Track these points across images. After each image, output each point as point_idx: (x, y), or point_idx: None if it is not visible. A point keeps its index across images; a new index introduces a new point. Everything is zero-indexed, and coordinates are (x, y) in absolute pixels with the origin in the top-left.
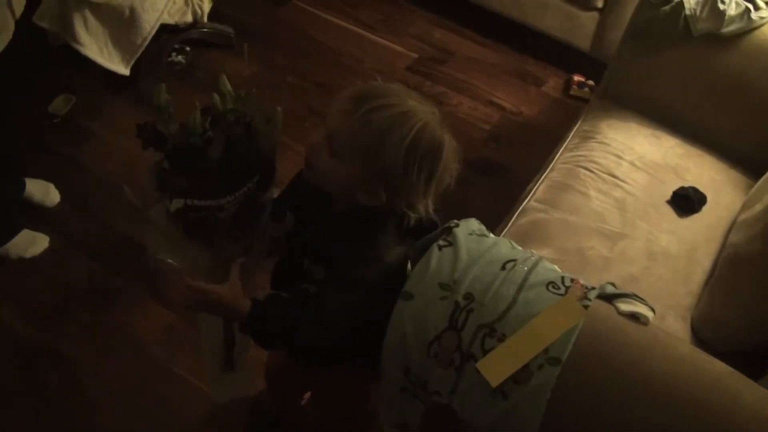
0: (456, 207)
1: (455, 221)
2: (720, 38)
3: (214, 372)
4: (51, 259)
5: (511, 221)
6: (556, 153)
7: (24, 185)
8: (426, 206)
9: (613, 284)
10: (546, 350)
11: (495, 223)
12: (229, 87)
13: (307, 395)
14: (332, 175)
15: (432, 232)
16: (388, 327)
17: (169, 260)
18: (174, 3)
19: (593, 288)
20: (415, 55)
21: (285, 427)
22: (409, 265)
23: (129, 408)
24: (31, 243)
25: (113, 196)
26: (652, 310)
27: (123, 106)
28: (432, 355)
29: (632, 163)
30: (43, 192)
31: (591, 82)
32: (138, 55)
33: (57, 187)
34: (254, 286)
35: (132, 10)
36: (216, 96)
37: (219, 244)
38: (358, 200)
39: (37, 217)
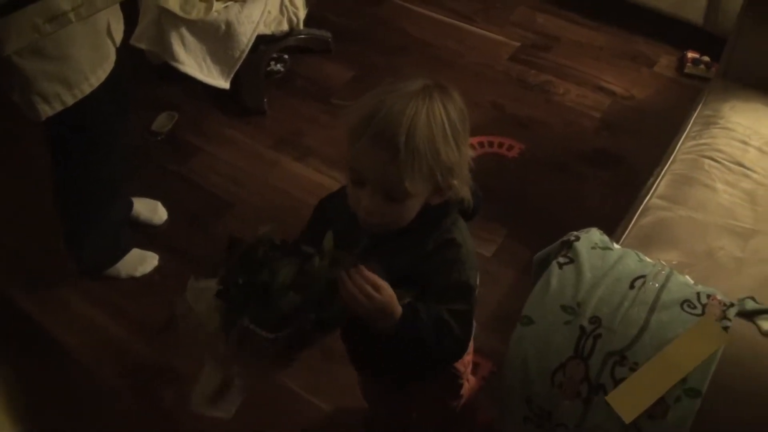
0: (571, 203)
1: (575, 233)
2: None
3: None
4: (161, 276)
5: (633, 221)
6: (677, 142)
7: (131, 204)
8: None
9: (753, 298)
10: (683, 380)
11: (615, 219)
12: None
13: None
14: (408, 213)
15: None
16: (507, 354)
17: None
18: (269, 13)
19: (732, 305)
20: (518, 44)
21: None
22: None
23: (244, 424)
24: (141, 261)
25: (220, 210)
26: None
27: (224, 120)
28: (556, 384)
29: (760, 149)
30: (151, 210)
31: (706, 58)
32: (237, 67)
33: (164, 205)
34: None
35: (228, 24)
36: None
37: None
38: (428, 204)
39: (145, 235)
